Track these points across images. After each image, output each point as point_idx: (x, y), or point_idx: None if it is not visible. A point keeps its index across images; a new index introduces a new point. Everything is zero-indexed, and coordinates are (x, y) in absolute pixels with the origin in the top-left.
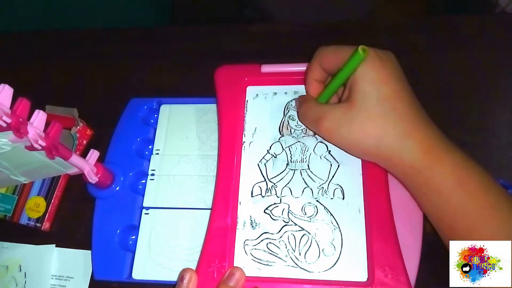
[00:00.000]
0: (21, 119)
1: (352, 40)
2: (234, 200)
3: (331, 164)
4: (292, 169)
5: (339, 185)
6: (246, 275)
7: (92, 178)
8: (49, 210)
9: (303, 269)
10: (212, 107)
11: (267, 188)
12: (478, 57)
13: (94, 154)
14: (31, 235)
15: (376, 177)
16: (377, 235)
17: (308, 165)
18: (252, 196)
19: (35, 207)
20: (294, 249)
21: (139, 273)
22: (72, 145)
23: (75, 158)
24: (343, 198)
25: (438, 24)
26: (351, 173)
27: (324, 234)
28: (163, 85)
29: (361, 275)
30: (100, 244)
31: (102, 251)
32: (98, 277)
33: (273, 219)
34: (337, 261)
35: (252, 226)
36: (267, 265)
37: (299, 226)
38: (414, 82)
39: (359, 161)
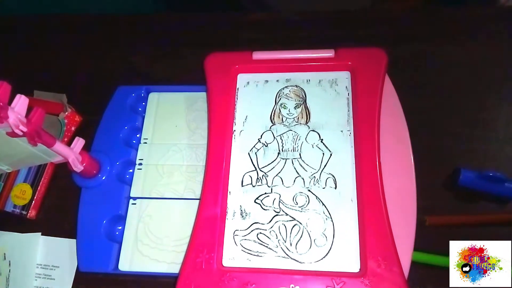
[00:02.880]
0: (1, 104)
1: (350, 31)
2: (223, 189)
3: (323, 153)
4: (283, 158)
5: (331, 174)
6: (236, 266)
7: (77, 167)
8: (35, 198)
9: (294, 259)
10: (202, 95)
11: (257, 178)
12: (478, 50)
13: (79, 142)
14: (17, 223)
15: (369, 166)
16: (370, 225)
17: (300, 154)
18: (242, 186)
19: (21, 194)
20: (285, 239)
21: (125, 265)
22: (60, 131)
23: (59, 146)
24: (336, 188)
25: (438, 16)
26: (343, 162)
27: (316, 224)
28: (153, 72)
29: (354, 266)
30: (85, 235)
31: (88, 243)
32: (83, 269)
33: (264, 209)
34: (329, 251)
35: (242, 216)
36: (257, 256)
37: (290, 216)
38: (413, 74)
39: (352, 150)
